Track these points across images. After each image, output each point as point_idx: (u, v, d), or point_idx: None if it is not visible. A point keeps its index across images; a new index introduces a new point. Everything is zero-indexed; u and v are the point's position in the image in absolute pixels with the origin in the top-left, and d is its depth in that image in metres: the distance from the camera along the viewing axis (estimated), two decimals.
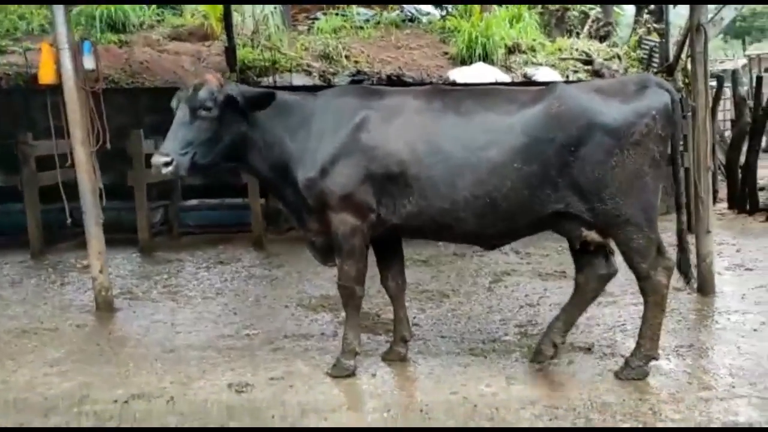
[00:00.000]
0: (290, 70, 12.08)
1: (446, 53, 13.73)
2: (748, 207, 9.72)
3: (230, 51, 10.54)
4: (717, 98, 10.82)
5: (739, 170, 9.91)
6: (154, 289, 6.19)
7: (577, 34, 15.32)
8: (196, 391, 3.80)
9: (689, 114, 6.70)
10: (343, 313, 5.30)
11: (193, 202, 9.36)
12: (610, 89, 3.74)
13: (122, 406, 3.63)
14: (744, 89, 10.04)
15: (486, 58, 13.09)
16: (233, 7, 11.87)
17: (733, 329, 4.65)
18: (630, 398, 3.58)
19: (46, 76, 5.37)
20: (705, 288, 5.48)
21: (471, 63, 12.90)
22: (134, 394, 3.76)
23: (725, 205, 10.29)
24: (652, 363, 3.89)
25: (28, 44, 10.84)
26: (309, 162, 3.84)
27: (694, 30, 5.27)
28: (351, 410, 3.55)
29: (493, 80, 11.13)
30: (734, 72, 10.66)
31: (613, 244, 3.92)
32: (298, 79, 11.84)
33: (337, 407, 3.57)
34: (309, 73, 12.30)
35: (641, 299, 3.92)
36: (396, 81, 11.83)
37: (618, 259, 4.00)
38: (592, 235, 3.75)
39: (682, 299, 5.43)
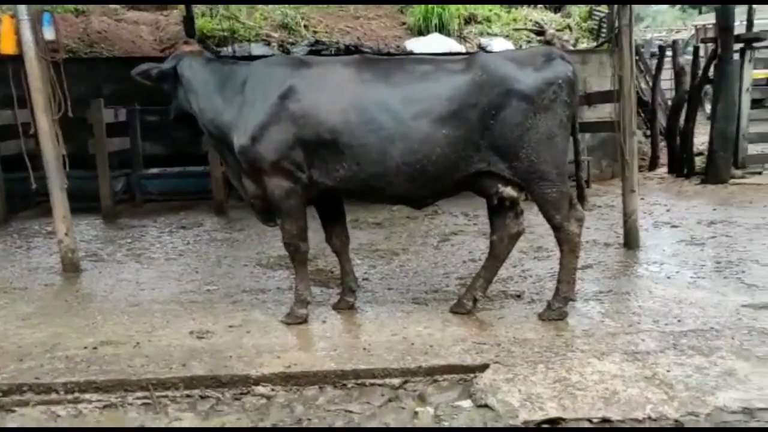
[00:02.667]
0: (249, 40, 12.26)
1: (404, 23, 14.04)
2: (685, 171, 10.34)
3: (188, 20, 10.65)
4: (659, 67, 11.38)
5: (678, 136, 10.51)
6: (118, 252, 6.48)
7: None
8: (160, 338, 4.16)
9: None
10: None
11: (155, 170, 9.58)
12: (523, 59, 4.13)
13: (92, 351, 3.96)
14: (683, 59, 10.57)
15: (442, 28, 13.42)
16: None
17: (649, 277, 5.17)
18: (548, 334, 4.06)
19: (6, 47, 5.53)
20: (630, 242, 6.02)
21: (427, 33, 13.23)
22: (103, 341, 4.09)
23: (666, 169, 10.93)
24: (570, 304, 4.39)
25: None
26: (242, 129, 4.15)
27: (620, 4, 5.71)
28: (301, 350, 3.94)
29: (448, 50, 11.48)
30: (674, 42, 11.19)
31: (524, 205, 4.40)
32: (257, 49, 12.02)
33: (289, 348, 3.97)
34: (268, 43, 12.49)
35: None
36: (354, 51, 12.09)
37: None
38: (508, 191, 4.18)
39: (610, 253, 5.96)
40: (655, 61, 11.65)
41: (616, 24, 5.86)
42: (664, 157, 11.29)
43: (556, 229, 4.25)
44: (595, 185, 9.87)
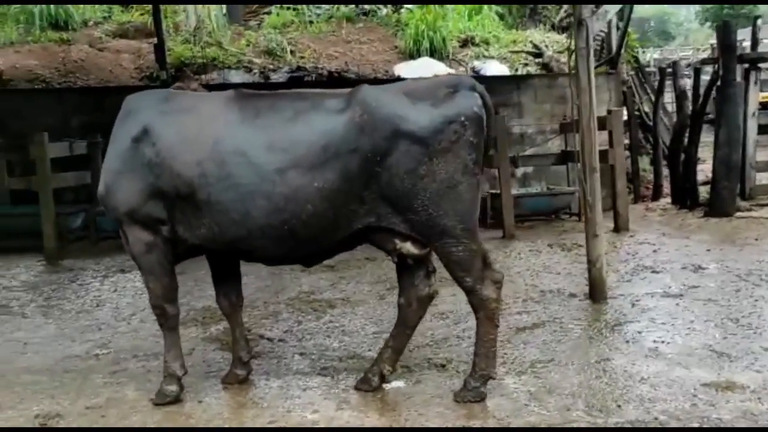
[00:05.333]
0: (230, 67, 11.81)
1: (396, 47, 13.46)
2: (688, 203, 9.48)
3: (158, 48, 10.23)
4: (660, 90, 10.58)
5: (681, 165, 9.66)
6: (33, 302, 5.93)
7: (553, 26, 15.07)
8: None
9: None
10: (213, 328, 5.10)
11: None
12: (420, 92, 3.44)
13: None
14: (684, 81, 9.75)
15: (434, 52, 12.81)
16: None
17: (604, 342, 4.40)
18: (456, 423, 3.34)
19: None
20: (595, 294, 5.24)
21: (418, 57, 12.62)
22: None
23: (670, 199, 10.06)
24: (498, 378, 3.66)
25: None
26: (103, 174, 3.69)
27: (576, 24, 5.02)
28: None
29: (432, 75, 10.84)
30: (674, 64, 10.38)
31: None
32: (237, 76, 11.55)
33: None
34: (249, 70, 12.02)
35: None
36: (337, 78, 11.56)
37: None
38: (407, 247, 3.52)
39: (571, 306, 5.19)
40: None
41: (572, 46, 5.16)
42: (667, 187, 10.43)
43: (468, 293, 3.54)
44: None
